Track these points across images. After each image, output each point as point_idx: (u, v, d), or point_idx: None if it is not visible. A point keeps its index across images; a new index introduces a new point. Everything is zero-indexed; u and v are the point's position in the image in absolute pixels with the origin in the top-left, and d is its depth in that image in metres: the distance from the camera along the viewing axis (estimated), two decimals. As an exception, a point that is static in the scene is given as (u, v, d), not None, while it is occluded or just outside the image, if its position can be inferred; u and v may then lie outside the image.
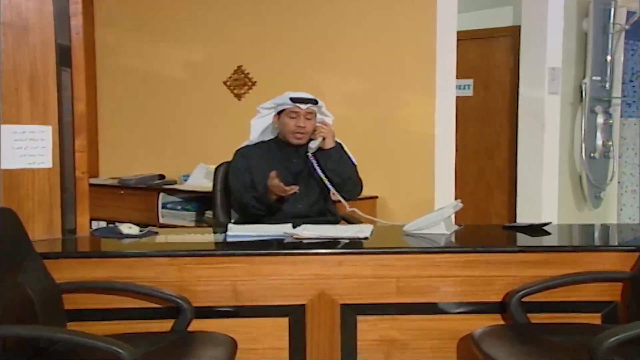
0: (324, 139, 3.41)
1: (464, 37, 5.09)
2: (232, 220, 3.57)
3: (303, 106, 3.38)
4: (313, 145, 3.39)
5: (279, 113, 3.44)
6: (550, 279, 2.58)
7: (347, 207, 3.36)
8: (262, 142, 3.54)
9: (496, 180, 5.72)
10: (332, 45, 4.94)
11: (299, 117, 3.39)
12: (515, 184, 5.38)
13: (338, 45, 4.92)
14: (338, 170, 3.40)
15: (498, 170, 5.70)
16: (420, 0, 4.58)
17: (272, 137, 3.54)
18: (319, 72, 4.96)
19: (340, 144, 3.53)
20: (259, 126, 3.55)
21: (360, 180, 3.51)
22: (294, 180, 3.43)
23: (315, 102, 3.40)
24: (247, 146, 3.54)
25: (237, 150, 3.54)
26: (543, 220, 3.23)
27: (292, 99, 3.38)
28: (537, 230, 3.06)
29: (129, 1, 5.79)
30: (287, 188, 3.21)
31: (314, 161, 3.39)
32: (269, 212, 3.33)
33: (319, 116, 3.45)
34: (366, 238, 2.83)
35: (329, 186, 3.38)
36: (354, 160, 3.54)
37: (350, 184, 3.44)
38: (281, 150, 3.47)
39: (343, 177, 3.40)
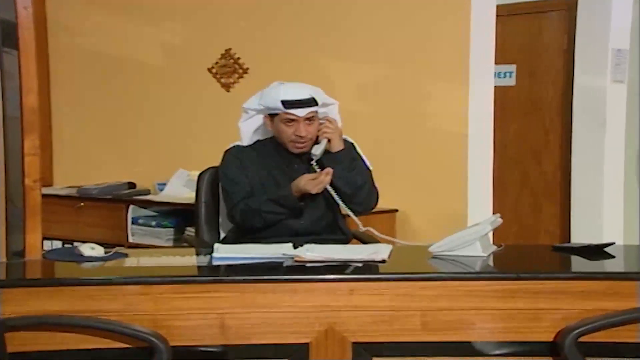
0: (329, 140, 3.40)
1: (505, 12, 5.09)
2: (220, 238, 3.57)
3: (301, 112, 3.36)
4: (317, 151, 3.38)
5: (271, 114, 3.43)
6: (615, 314, 2.57)
7: (360, 227, 3.35)
8: (257, 142, 3.54)
9: (544, 189, 5.72)
10: (342, 25, 4.94)
11: (297, 124, 3.36)
12: (569, 195, 5.38)
13: (349, 24, 4.92)
14: (348, 178, 3.39)
15: (547, 177, 5.70)
16: (451, -33, 4.60)
17: (267, 136, 3.53)
18: (326, 58, 4.96)
19: (352, 143, 3.53)
20: (248, 128, 3.54)
21: (376, 189, 3.51)
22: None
23: (314, 103, 3.36)
24: (239, 146, 3.54)
25: (227, 151, 3.54)
26: (604, 240, 3.22)
27: (284, 104, 3.32)
28: (596, 252, 3.05)
29: (91, -32, 5.82)
30: (322, 177, 3.26)
31: (318, 170, 3.38)
32: (290, 217, 3.39)
33: (320, 110, 3.44)
34: (384, 261, 2.83)
35: (338, 201, 3.38)
36: (368, 164, 3.54)
37: (363, 194, 3.43)
38: (279, 154, 3.47)
39: (354, 186, 3.40)
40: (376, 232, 3.35)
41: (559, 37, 5.54)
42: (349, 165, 3.42)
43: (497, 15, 4.65)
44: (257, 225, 3.38)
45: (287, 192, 3.32)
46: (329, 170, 3.27)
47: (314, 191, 3.27)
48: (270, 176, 3.45)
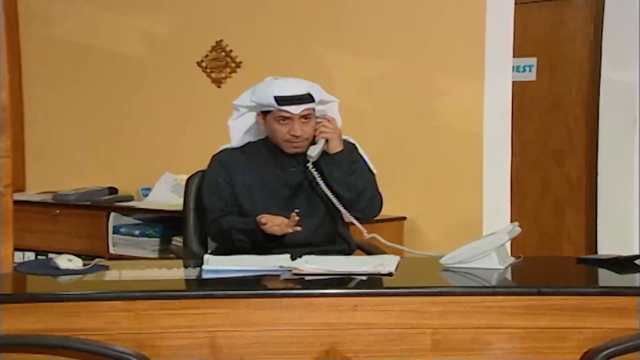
0: (327, 141, 3.41)
1: (524, 0, 5.10)
2: (210, 250, 3.57)
3: (295, 109, 3.37)
4: (313, 152, 3.37)
5: (264, 112, 3.44)
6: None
7: (364, 233, 3.35)
8: (249, 143, 3.54)
9: (568, 195, 5.71)
10: (344, 15, 4.95)
11: (291, 122, 3.36)
12: (595, 201, 5.37)
13: (352, 14, 4.93)
14: (348, 182, 3.39)
15: (570, 181, 5.70)
16: (465, -50, 4.61)
17: (260, 136, 3.54)
18: (327, 50, 4.97)
19: (353, 145, 3.54)
20: (239, 127, 3.54)
21: (379, 195, 3.51)
22: (291, 195, 3.43)
23: (310, 99, 3.37)
24: (228, 150, 3.55)
25: (215, 156, 3.55)
26: (634, 252, 3.22)
27: (277, 100, 3.32)
28: (626, 265, 3.05)
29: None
30: (287, 224, 3.22)
31: (315, 173, 3.38)
32: (259, 247, 3.33)
33: (318, 107, 3.45)
34: (390, 274, 2.83)
35: (339, 206, 3.38)
36: (372, 167, 3.54)
37: (364, 200, 3.43)
38: (274, 156, 3.47)
39: (355, 191, 3.40)
40: (383, 240, 3.34)
41: (585, 26, 5.53)
42: (348, 168, 3.42)
43: (515, 3, 4.65)
44: (230, 247, 3.39)
45: (253, 225, 3.32)
46: (293, 221, 3.25)
47: (277, 234, 3.28)
48: (263, 181, 3.45)
